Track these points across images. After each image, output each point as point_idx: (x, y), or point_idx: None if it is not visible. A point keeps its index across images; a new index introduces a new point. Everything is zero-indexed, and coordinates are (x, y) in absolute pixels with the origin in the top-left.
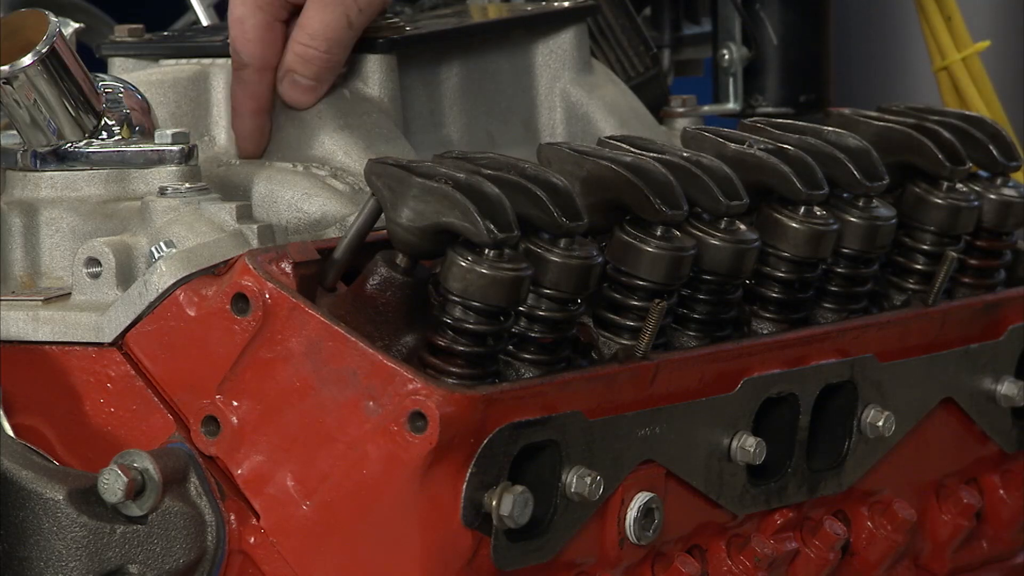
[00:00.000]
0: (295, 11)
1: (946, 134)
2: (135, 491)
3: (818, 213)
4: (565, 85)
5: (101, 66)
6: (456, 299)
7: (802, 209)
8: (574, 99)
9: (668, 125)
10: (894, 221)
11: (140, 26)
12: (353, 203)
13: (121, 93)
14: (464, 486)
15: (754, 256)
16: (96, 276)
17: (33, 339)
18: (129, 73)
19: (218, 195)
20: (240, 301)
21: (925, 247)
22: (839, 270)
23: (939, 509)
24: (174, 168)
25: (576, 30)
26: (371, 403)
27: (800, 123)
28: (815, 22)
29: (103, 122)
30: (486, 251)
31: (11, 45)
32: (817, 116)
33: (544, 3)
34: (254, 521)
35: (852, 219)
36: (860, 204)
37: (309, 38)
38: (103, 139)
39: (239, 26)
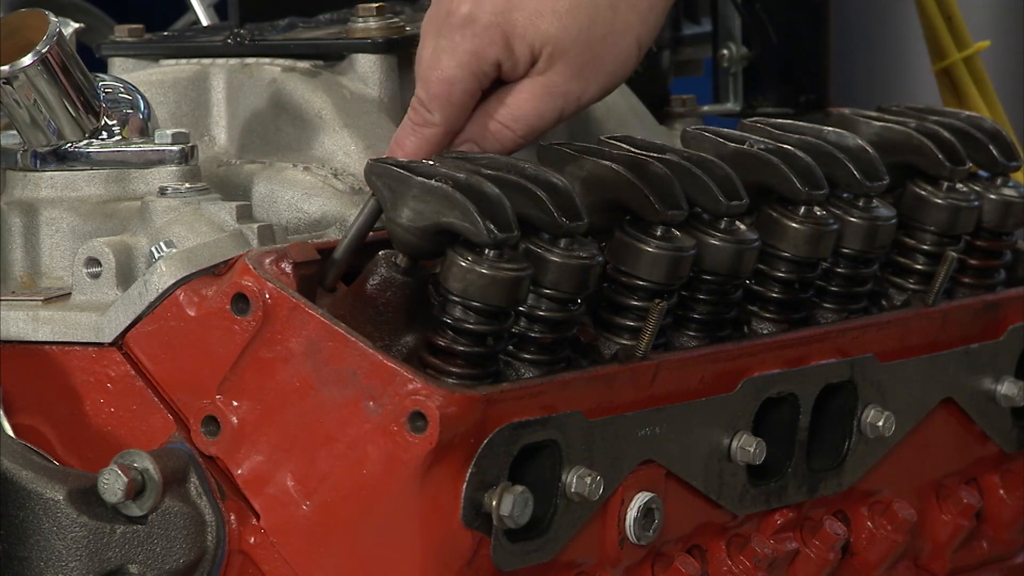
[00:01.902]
0: (498, 82)
1: (946, 134)
2: (135, 491)
3: (818, 213)
4: None
5: (101, 66)
6: (456, 299)
7: (802, 209)
8: None
9: (668, 125)
10: (894, 221)
11: (140, 26)
12: (353, 203)
13: (121, 93)
14: (464, 486)
15: (754, 256)
16: (96, 276)
17: (33, 339)
18: (129, 73)
19: (218, 195)
20: (240, 301)
21: (925, 247)
22: (839, 270)
23: (939, 509)
24: (174, 168)
25: None
26: (371, 403)
27: (800, 123)
28: (815, 22)
29: (103, 122)
30: (486, 251)
31: (11, 45)
32: (817, 116)
33: None
34: (254, 521)
35: (852, 219)
36: (860, 204)
37: (513, 120)
38: (103, 139)
39: (446, 87)
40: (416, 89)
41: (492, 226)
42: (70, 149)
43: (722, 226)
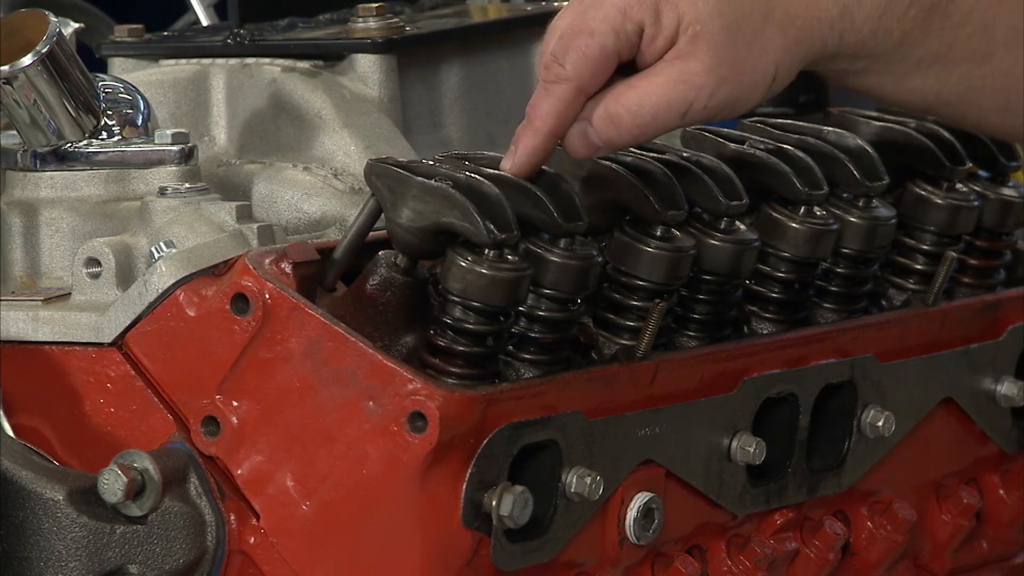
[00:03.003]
0: (629, 66)
1: (946, 134)
2: (135, 491)
3: (818, 213)
4: None
5: (101, 66)
6: (456, 299)
7: (802, 209)
8: None
9: None
10: (894, 221)
11: (140, 26)
12: (353, 203)
13: (121, 93)
14: (464, 486)
15: (754, 256)
16: (96, 276)
17: (33, 339)
18: (129, 73)
19: (218, 195)
20: (240, 301)
21: (925, 247)
22: (839, 270)
23: (939, 509)
24: (174, 168)
25: None
26: (371, 403)
27: (800, 123)
28: None
29: (103, 122)
30: (486, 251)
31: (11, 45)
32: (817, 116)
33: (544, 3)
34: (254, 521)
35: (852, 219)
36: (860, 204)
37: (638, 104)
38: (103, 139)
39: (584, 38)
40: (549, 47)
41: (492, 226)
42: (70, 149)
43: (722, 226)
